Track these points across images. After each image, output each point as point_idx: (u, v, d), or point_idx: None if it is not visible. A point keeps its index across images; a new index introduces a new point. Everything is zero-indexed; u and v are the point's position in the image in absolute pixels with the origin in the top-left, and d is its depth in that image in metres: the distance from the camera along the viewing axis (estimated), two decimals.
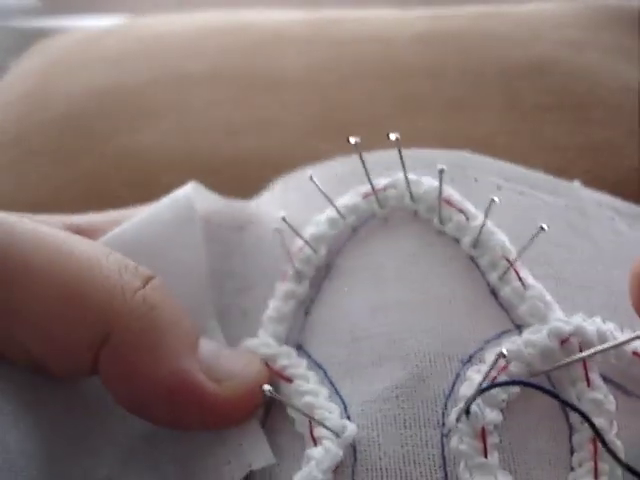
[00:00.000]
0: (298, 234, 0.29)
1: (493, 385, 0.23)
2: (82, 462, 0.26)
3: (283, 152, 0.51)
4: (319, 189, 0.28)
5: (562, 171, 0.48)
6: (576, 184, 0.33)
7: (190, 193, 0.31)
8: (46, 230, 0.25)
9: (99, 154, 0.52)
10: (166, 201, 0.31)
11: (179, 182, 0.50)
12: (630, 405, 0.25)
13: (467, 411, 0.23)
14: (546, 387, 0.24)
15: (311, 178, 0.28)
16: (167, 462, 0.26)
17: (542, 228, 0.25)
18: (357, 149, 0.27)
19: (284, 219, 0.28)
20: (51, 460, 0.24)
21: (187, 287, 0.28)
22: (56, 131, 0.55)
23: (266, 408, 0.27)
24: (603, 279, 0.28)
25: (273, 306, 0.28)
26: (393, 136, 0.26)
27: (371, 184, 0.28)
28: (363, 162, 0.28)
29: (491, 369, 0.23)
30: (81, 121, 0.55)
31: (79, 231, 0.29)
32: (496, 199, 0.26)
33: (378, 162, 0.29)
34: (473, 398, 0.23)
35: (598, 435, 0.23)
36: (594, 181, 0.47)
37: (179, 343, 0.24)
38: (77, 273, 0.23)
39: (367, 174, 0.28)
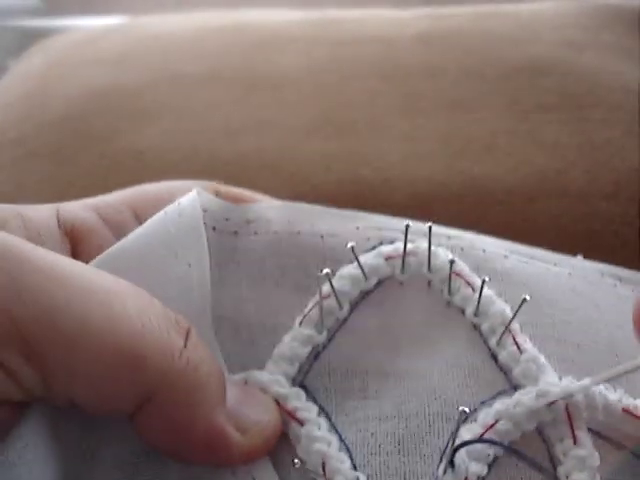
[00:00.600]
0: (332, 286, 0.30)
1: (466, 442, 0.26)
2: (86, 476, 0.26)
3: (283, 153, 0.51)
4: (355, 256, 0.30)
5: (562, 171, 0.48)
6: (579, 257, 0.35)
7: (196, 203, 0.30)
8: (97, 281, 0.25)
9: (99, 155, 0.52)
10: (172, 212, 0.30)
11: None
12: (620, 458, 0.28)
13: (453, 464, 0.26)
14: (518, 449, 0.26)
15: (352, 250, 0.30)
16: None
17: (525, 300, 0.28)
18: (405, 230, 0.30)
19: (353, 249, 0.30)
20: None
21: (192, 301, 0.28)
22: (56, 132, 0.55)
23: None
24: (605, 339, 0.31)
25: (288, 345, 0.30)
26: (427, 225, 0.30)
27: (404, 249, 0.31)
28: (406, 234, 0.30)
29: (457, 428, 0.26)
30: (81, 122, 0.55)
31: (73, 232, 0.30)
32: (487, 278, 0.29)
33: (397, 227, 0.32)
34: (452, 453, 0.26)
35: None
36: (594, 181, 0.47)
37: (213, 398, 0.26)
38: (133, 337, 0.24)
39: (405, 243, 0.31)
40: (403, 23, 0.66)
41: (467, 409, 0.26)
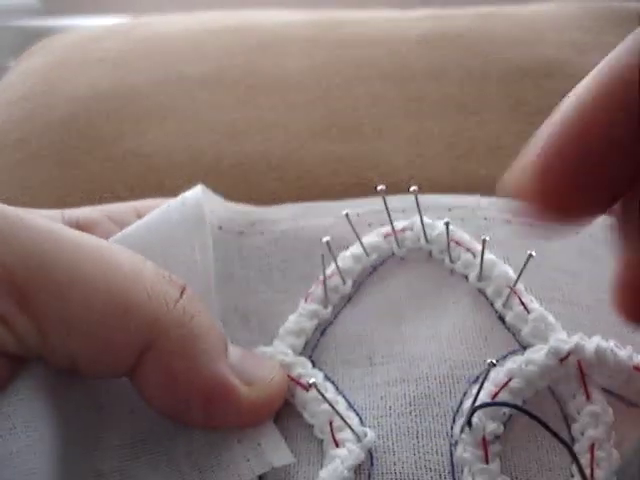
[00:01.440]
0: (335, 259, 0.31)
1: (486, 404, 0.26)
2: (91, 456, 0.26)
3: (289, 155, 0.50)
4: (352, 228, 0.31)
5: None
6: None
7: (199, 195, 0.31)
8: (88, 238, 0.26)
9: (103, 158, 0.52)
10: (175, 203, 0.31)
11: (183, 186, 0.50)
12: (632, 416, 0.27)
13: (470, 423, 0.26)
14: (533, 412, 0.26)
15: (347, 216, 0.31)
16: (182, 455, 0.27)
17: (531, 255, 0.28)
18: (383, 196, 0.31)
19: (328, 243, 0.30)
20: (63, 456, 0.25)
21: (196, 289, 0.29)
22: (59, 134, 0.55)
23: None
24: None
25: (294, 320, 0.30)
26: (412, 188, 0.30)
27: (392, 225, 0.32)
28: (386, 206, 0.31)
29: (482, 383, 0.26)
30: (84, 124, 0.55)
31: (79, 226, 0.30)
32: (487, 238, 0.29)
33: (396, 206, 0.33)
34: (471, 413, 0.26)
35: (574, 458, 0.25)
36: None
37: (214, 349, 0.26)
38: (124, 283, 0.25)
39: (389, 217, 0.31)
40: (406, 24, 0.66)
41: (494, 360, 0.25)
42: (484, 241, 0.29)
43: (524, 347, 0.28)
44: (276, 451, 0.26)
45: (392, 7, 0.73)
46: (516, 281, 0.29)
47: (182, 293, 0.26)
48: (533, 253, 0.28)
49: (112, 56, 0.64)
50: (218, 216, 0.33)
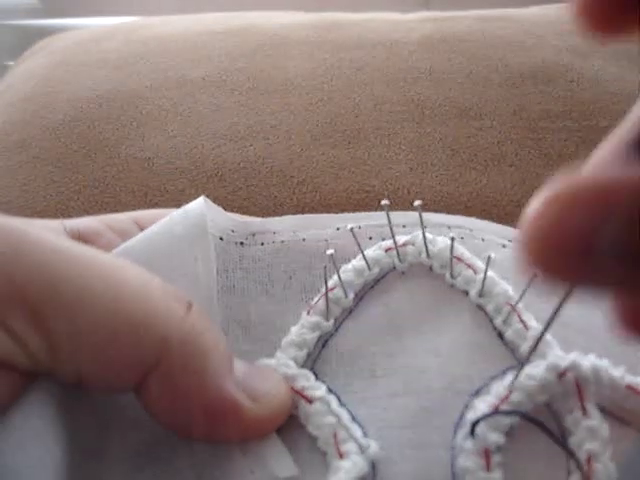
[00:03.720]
0: (338, 272, 0.31)
1: (493, 413, 0.27)
2: (96, 468, 0.26)
3: (289, 160, 0.50)
4: (357, 242, 0.31)
5: None
6: None
7: (202, 207, 0.31)
8: (97, 255, 0.26)
9: (104, 161, 0.52)
10: (177, 215, 0.31)
11: (184, 190, 0.50)
12: (625, 435, 0.28)
13: (473, 434, 0.26)
14: (538, 419, 0.27)
15: (352, 231, 0.31)
16: (185, 467, 0.27)
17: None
18: (386, 210, 0.31)
19: (332, 256, 0.30)
20: (68, 470, 0.25)
21: (198, 302, 0.29)
22: (61, 137, 0.55)
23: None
24: (602, 325, 0.31)
25: (296, 332, 0.30)
26: (416, 203, 0.31)
27: (394, 240, 0.32)
28: (389, 220, 0.32)
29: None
30: (85, 127, 0.55)
31: (80, 236, 0.30)
32: (492, 255, 0.30)
33: (398, 221, 0.33)
34: (473, 424, 0.26)
35: (578, 463, 0.26)
36: None
37: (221, 365, 0.26)
38: (133, 301, 0.25)
39: (392, 232, 0.32)
40: (408, 27, 0.66)
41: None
42: (489, 258, 0.30)
43: (521, 364, 0.29)
44: (280, 463, 0.26)
45: (393, 10, 0.73)
46: (519, 299, 0.30)
47: (189, 309, 0.26)
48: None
49: (113, 58, 0.64)
50: (219, 227, 0.33)
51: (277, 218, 0.34)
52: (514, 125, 0.52)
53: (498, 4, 0.73)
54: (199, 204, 0.31)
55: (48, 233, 0.25)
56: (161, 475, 0.27)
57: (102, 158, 0.52)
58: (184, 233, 0.30)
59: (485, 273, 0.30)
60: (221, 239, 0.33)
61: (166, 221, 0.31)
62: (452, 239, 0.30)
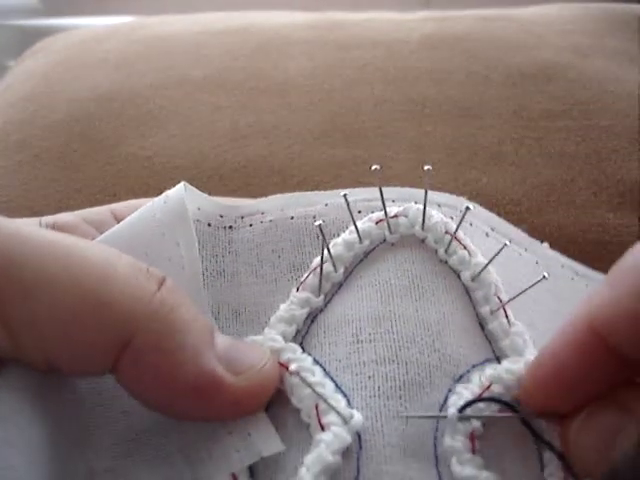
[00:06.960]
0: (327, 246, 0.31)
1: (477, 400, 0.27)
2: (84, 456, 0.26)
3: (291, 159, 0.50)
4: (349, 212, 0.31)
5: (569, 182, 0.48)
6: (545, 245, 0.37)
7: (182, 192, 0.31)
8: (58, 238, 0.25)
9: (104, 161, 0.52)
10: (158, 201, 0.31)
11: None
12: None
13: (461, 417, 0.27)
14: (518, 409, 0.28)
15: (345, 197, 0.31)
16: (175, 451, 0.27)
17: (544, 277, 0.30)
18: (377, 175, 0.31)
19: (320, 227, 0.30)
20: (54, 458, 0.25)
21: (183, 285, 0.28)
22: (62, 136, 0.55)
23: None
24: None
25: (285, 308, 0.30)
26: (426, 167, 0.31)
27: (385, 211, 0.32)
28: (381, 192, 0.31)
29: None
30: (87, 126, 0.55)
31: (55, 229, 0.30)
32: (508, 242, 0.31)
33: (387, 196, 0.32)
34: (465, 406, 0.27)
35: (555, 453, 0.27)
36: (600, 193, 0.47)
37: (198, 341, 0.25)
38: (95, 280, 0.24)
39: (383, 201, 0.31)
40: (408, 26, 0.66)
41: None
42: (504, 245, 0.30)
43: (497, 357, 0.30)
44: (266, 440, 0.26)
45: (393, 10, 0.73)
46: (517, 296, 0.30)
47: (160, 285, 0.25)
48: (546, 274, 0.30)
49: (113, 57, 0.64)
50: (206, 213, 0.33)
51: (265, 198, 0.34)
52: (514, 124, 0.52)
53: (498, 4, 0.73)
54: (179, 190, 0.31)
55: (10, 220, 0.25)
56: (150, 460, 0.27)
57: (102, 157, 0.52)
58: (164, 218, 0.30)
59: (491, 260, 0.31)
60: (209, 225, 0.32)
61: (147, 208, 0.31)
62: (466, 207, 0.30)
